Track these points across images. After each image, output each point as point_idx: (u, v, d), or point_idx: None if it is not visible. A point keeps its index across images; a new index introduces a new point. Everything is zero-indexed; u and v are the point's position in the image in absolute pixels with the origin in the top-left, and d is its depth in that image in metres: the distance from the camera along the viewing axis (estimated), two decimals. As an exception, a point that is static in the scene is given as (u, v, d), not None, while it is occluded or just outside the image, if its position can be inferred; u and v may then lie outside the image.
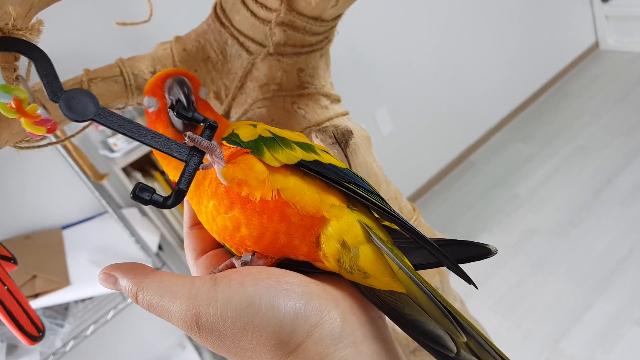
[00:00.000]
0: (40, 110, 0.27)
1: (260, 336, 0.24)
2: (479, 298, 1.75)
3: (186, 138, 0.28)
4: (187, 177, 0.28)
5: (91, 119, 0.26)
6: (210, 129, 0.30)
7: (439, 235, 0.58)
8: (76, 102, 0.26)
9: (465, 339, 0.24)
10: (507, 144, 2.44)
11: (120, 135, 1.35)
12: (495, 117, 2.51)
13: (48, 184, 1.38)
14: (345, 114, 0.51)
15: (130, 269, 0.27)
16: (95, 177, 1.26)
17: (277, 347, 0.24)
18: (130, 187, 1.30)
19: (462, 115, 2.33)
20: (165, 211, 1.46)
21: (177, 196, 0.27)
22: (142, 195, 0.26)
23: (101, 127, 1.37)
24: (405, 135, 2.17)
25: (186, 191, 0.28)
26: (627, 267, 1.64)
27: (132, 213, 1.47)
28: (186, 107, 0.31)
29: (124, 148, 1.35)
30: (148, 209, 1.48)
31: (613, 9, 2.62)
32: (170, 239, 1.50)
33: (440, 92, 2.21)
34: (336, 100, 0.51)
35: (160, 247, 1.49)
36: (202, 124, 0.30)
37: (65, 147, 1.20)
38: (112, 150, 1.36)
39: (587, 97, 2.52)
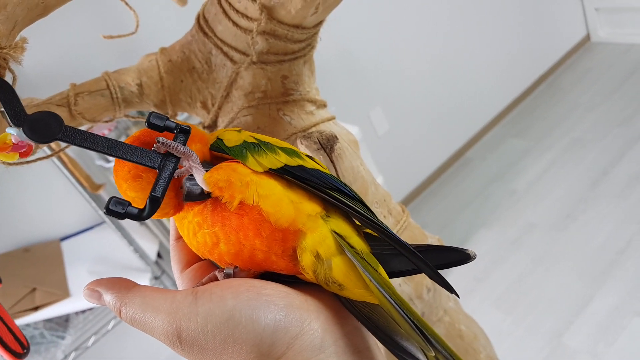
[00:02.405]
0: (16, 133, 0.27)
1: (240, 349, 0.24)
2: (480, 295, 1.76)
3: (158, 144, 0.27)
4: (162, 183, 0.27)
5: (57, 139, 0.26)
6: (184, 134, 0.28)
7: (429, 236, 0.58)
8: (39, 124, 0.26)
9: (434, 354, 0.24)
10: (502, 140, 2.44)
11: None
12: (490, 113, 2.51)
13: (45, 197, 1.38)
14: (332, 118, 0.51)
15: (114, 284, 0.27)
16: (92, 187, 1.26)
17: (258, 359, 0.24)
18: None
19: (457, 112, 2.33)
20: (164, 219, 1.46)
21: (152, 205, 0.26)
22: (115, 209, 0.25)
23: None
24: (401, 135, 2.17)
25: (161, 199, 0.26)
26: (626, 258, 1.64)
27: (129, 222, 1.47)
28: (159, 115, 0.29)
29: (120, 158, 1.35)
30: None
31: (603, 1, 2.62)
32: (169, 247, 1.50)
33: (434, 90, 2.22)
34: (322, 105, 0.51)
35: (159, 255, 1.50)
36: (174, 132, 0.29)
37: (60, 159, 1.20)
38: (108, 160, 1.36)
39: (580, 90, 2.52)
